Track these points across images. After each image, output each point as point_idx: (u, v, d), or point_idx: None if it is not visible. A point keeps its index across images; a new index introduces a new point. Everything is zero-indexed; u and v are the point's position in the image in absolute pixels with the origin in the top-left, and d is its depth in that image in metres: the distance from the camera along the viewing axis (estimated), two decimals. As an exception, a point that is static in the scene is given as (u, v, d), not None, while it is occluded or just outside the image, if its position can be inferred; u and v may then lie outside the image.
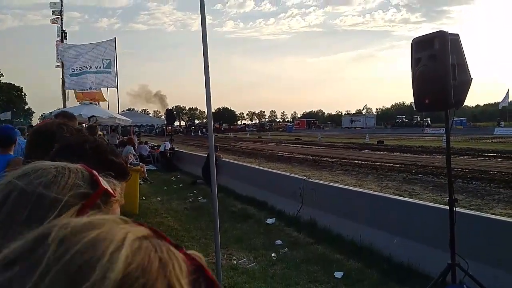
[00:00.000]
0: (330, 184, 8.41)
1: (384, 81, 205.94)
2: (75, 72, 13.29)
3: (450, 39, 3.59)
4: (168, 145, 17.14)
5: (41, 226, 0.39)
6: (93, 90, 16.24)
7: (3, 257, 0.37)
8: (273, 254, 5.60)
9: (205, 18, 3.79)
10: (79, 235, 0.36)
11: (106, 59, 13.61)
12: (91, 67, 13.46)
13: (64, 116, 3.33)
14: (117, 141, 14.64)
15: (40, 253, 0.35)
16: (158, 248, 0.38)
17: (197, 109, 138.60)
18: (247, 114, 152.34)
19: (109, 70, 13.71)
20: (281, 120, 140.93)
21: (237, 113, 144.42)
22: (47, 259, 0.34)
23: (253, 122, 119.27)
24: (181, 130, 72.62)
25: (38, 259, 0.35)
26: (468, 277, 3.50)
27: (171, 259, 0.38)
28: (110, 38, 14.54)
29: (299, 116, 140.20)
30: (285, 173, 10.35)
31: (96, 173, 0.69)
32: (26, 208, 0.60)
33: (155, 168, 16.50)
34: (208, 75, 3.77)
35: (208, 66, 3.77)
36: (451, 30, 3.68)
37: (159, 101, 71.54)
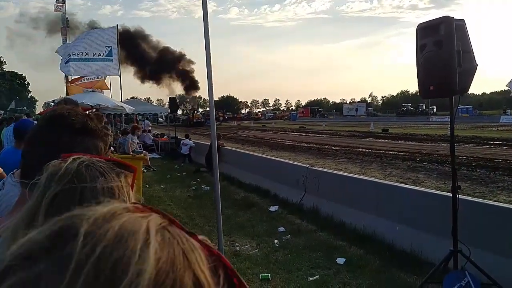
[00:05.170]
0: (333, 172, 8.42)
1: (391, 69, 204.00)
2: (72, 57, 12.93)
3: (456, 25, 3.51)
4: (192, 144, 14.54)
5: (62, 216, 0.37)
6: (94, 79, 16.08)
7: (23, 249, 0.35)
8: (275, 241, 5.63)
9: (206, 6, 3.75)
10: (103, 228, 0.35)
11: (108, 47, 13.45)
12: (87, 54, 13.21)
13: (66, 103, 3.34)
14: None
15: (68, 249, 0.34)
16: (179, 239, 0.37)
17: (201, 97, 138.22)
18: (251, 103, 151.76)
19: (111, 58, 13.55)
20: (285, 109, 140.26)
21: (241, 101, 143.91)
22: (77, 256, 0.33)
23: (256, 111, 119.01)
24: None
25: (67, 256, 0.33)
26: (470, 263, 3.50)
27: (192, 250, 0.37)
28: (112, 25, 14.41)
29: (303, 104, 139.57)
30: (288, 161, 10.35)
31: (112, 158, 0.80)
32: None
33: (158, 156, 16.56)
34: (210, 62, 3.73)
35: (210, 54, 3.73)
36: (459, 16, 3.60)
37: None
